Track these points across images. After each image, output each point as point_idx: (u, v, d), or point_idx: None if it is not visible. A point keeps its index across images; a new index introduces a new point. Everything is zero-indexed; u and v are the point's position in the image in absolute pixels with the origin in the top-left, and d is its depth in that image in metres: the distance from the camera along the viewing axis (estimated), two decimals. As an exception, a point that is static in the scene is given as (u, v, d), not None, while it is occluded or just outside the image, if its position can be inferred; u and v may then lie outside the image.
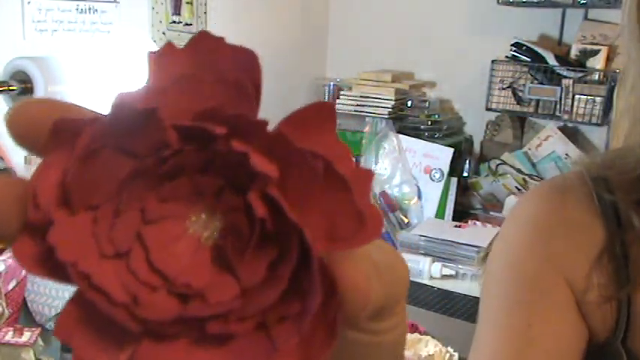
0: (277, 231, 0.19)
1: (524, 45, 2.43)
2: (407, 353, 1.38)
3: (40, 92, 1.22)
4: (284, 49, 2.69)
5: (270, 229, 0.19)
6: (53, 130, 0.19)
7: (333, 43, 2.97)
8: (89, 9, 1.99)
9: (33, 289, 1.56)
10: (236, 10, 2.48)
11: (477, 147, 2.70)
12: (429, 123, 2.55)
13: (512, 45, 2.45)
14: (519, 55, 2.45)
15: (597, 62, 2.34)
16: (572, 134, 2.49)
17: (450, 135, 2.59)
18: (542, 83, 2.43)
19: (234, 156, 0.19)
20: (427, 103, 2.62)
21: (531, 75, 2.46)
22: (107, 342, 0.20)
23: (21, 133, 0.20)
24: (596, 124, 2.36)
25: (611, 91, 2.30)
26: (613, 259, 0.61)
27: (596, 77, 2.36)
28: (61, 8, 1.92)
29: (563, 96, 2.39)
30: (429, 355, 1.42)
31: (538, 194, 0.69)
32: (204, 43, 0.20)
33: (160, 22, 2.24)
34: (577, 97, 2.36)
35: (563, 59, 2.39)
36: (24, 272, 1.54)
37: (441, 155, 2.45)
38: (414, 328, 1.54)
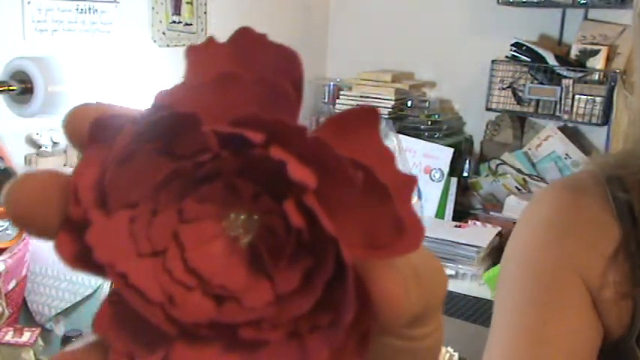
0: (313, 240, 0.19)
1: (524, 45, 2.44)
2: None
3: (39, 92, 1.22)
4: (284, 49, 2.69)
5: (306, 239, 0.19)
6: (92, 128, 0.19)
7: (333, 43, 2.97)
8: (89, 9, 1.99)
9: (33, 289, 1.56)
10: (236, 10, 2.48)
11: (477, 147, 2.70)
12: (429, 123, 2.55)
13: (512, 45, 2.45)
14: (519, 55, 2.45)
15: (597, 62, 2.34)
16: (572, 134, 2.49)
17: (450, 135, 2.59)
18: (542, 83, 2.43)
19: (272, 163, 0.18)
20: (427, 103, 2.62)
21: (531, 75, 2.46)
22: (141, 342, 0.20)
23: (74, 134, 0.20)
24: (596, 124, 2.36)
25: (611, 91, 2.30)
26: (629, 257, 0.62)
27: (596, 77, 2.36)
28: (61, 8, 1.92)
29: (563, 96, 2.39)
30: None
31: (551, 194, 0.68)
32: (246, 39, 0.20)
33: (160, 22, 2.24)
34: (577, 97, 2.36)
35: (563, 59, 2.39)
36: (24, 272, 1.54)
37: (441, 155, 2.45)
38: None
